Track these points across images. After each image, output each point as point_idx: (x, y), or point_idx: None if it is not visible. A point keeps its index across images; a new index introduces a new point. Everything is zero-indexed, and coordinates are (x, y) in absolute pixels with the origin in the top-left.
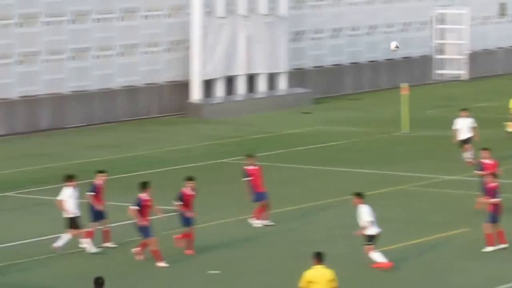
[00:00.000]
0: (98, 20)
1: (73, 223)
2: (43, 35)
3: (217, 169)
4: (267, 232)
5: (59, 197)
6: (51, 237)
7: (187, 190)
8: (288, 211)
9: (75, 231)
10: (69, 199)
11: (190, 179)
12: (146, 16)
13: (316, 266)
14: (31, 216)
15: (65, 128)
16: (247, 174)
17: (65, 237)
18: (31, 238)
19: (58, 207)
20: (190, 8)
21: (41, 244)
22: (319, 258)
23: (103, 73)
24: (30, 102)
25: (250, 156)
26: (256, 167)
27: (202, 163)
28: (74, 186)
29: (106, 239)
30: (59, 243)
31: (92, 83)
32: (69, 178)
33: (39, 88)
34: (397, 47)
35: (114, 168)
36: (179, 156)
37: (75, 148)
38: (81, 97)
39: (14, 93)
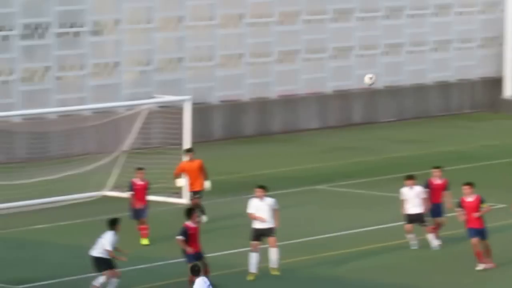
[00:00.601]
0: (412, 15)
1: (416, 219)
2: (356, 30)
3: None
4: None
5: (402, 197)
6: (359, 231)
7: None
8: None
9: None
10: (410, 198)
11: None
12: (460, 12)
13: None
14: (340, 209)
15: (377, 122)
16: None
17: (430, 237)
18: (340, 231)
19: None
20: (504, 5)
21: (350, 237)
22: None
23: (416, 68)
24: (343, 96)
25: None
26: None
27: None
28: (411, 186)
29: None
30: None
31: (404, 78)
32: (409, 177)
33: (352, 83)
34: (370, 79)
35: (425, 163)
36: (491, 152)
37: (386, 143)
38: (394, 92)
39: (328, 88)
